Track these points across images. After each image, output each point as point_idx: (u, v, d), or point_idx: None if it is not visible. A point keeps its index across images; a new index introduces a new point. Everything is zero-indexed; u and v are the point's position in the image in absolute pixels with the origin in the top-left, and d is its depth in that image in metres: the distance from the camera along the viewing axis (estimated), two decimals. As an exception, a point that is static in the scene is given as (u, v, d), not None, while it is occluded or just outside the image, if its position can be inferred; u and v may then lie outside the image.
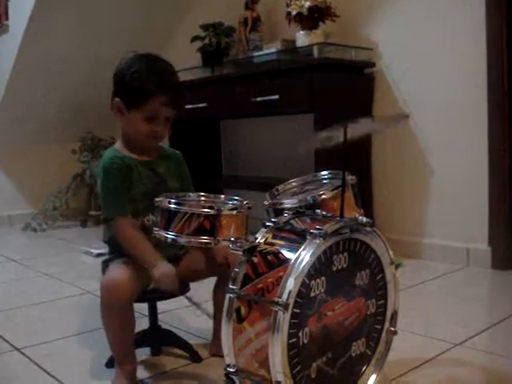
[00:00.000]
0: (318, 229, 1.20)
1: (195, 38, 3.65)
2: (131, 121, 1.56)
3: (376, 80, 3.05)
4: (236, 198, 1.35)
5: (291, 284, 1.14)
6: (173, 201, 1.25)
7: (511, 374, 1.58)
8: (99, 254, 3.01)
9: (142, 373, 1.61)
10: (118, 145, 1.64)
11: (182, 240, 1.22)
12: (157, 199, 1.27)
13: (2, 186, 4.39)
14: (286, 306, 1.13)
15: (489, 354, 1.74)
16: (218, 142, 4.01)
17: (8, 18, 3.91)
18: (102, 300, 1.49)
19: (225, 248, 1.32)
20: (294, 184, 1.60)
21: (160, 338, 1.76)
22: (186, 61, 3.68)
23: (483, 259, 2.69)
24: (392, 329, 1.43)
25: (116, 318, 1.49)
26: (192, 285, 1.71)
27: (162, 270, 1.46)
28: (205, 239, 1.22)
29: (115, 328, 1.51)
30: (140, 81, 1.53)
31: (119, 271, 1.49)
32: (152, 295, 1.61)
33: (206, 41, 3.64)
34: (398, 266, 1.45)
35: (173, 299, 1.68)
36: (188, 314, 2.09)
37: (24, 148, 4.37)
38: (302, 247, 1.19)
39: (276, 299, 1.14)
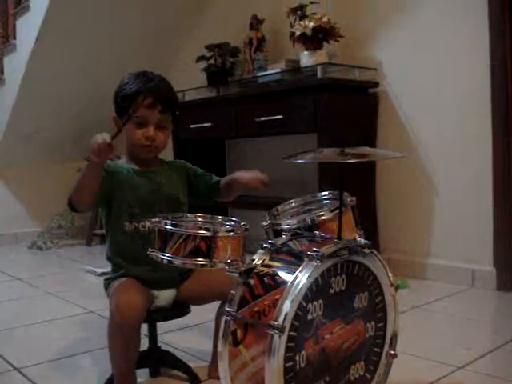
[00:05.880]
0: (315, 251, 1.19)
1: (200, 58, 3.67)
2: (126, 132, 1.58)
3: (380, 100, 3.05)
4: (233, 219, 1.34)
5: (287, 307, 1.13)
6: (169, 222, 1.25)
7: (514, 398, 1.56)
8: (103, 273, 3.01)
9: (140, 394, 1.59)
10: (124, 158, 1.70)
11: (178, 262, 1.21)
12: (153, 220, 1.27)
13: (9, 204, 4.41)
14: (281, 329, 1.12)
15: (492, 377, 1.71)
16: (223, 162, 4.01)
17: (16, 37, 3.96)
18: (113, 320, 1.46)
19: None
20: (293, 204, 1.59)
21: (159, 359, 1.74)
22: (191, 81, 3.72)
23: (488, 280, 2.67)
24: (392, 352, 1.41)
25: (125, 339, 1.47)
26: (193, 308, 1.71)
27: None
28: (200, 261, 1.21)
29: (122, 348, 1.48)
30: (126, 89, 1.60)
31: (133, 294, 1.49)
32: (154, 315, 1.61)
33: (211, 61, 3.66)
34: (397, 288, 1.44)
35: (173, 320, 1.67)
36: (188, 334, 2.08)
37: (30, 166, 4.41)
38: (299, 269, 1.18)
39: (272, 322, 1.13)
